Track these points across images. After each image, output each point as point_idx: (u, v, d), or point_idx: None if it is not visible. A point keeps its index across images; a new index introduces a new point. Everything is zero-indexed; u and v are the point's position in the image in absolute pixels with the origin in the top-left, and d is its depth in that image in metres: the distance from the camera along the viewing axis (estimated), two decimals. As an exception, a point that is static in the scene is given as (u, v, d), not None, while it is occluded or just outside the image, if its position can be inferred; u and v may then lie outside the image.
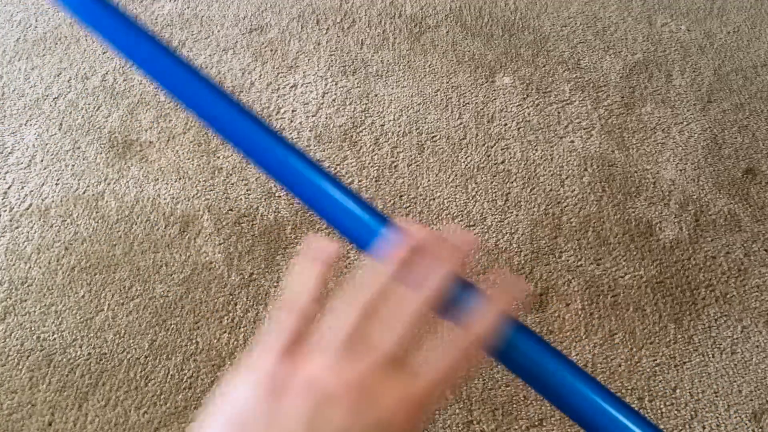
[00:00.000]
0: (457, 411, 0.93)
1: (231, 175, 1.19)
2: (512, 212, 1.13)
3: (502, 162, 1.20)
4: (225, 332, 1.00)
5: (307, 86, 1.32)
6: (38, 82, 1.34)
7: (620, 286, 1.04)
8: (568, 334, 1.00)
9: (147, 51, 0.35)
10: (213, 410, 0.23)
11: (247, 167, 1.20)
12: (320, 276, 0.27)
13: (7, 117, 1.29)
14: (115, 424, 0.93)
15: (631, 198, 1.15)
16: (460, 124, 1.26)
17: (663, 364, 0.97)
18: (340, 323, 0.25)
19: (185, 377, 0.96)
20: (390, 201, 1.15)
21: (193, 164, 1.20)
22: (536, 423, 0.92)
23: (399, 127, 1.25)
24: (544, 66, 1.35)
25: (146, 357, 0.98)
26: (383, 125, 1.26)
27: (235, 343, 0.99)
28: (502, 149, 1.22)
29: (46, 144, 1.24)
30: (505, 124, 1.25)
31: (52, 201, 1.16)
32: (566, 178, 1.18)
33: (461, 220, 1.12)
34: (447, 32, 1.42)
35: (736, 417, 0.92)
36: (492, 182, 1.17)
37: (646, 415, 0.92)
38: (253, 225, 1.12)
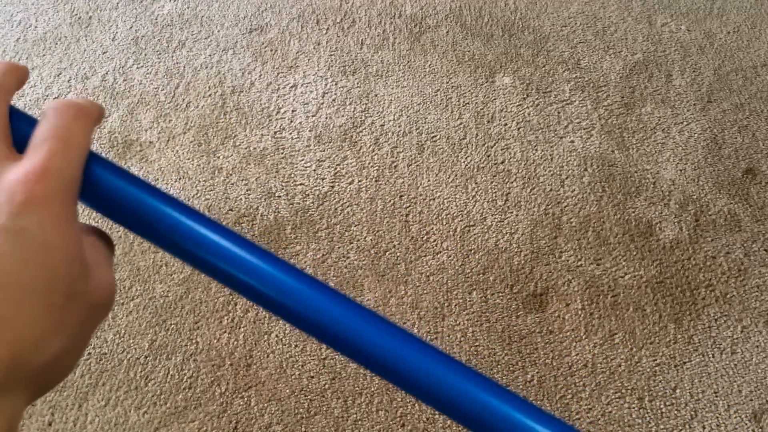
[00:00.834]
0: (457, 411, 0.93)
1: (231, 175, 1.19)
2: (512, 212, 1.13)
3: (502, 162, 1.20)
4: (225, 332, 1.00)
5: (307, 86, 1.32)
6: (38, 82, 1.34)
7: (620, 286, 1.04)
8: (568, 334, 1.00)
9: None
10: None
11: (247, 167, 1.20)
12: None
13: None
14: (115, 424, 0.93)
15: (631, 198, 1.15)
16: (460, 124, 1.26)
17: (663, 364, 0.97)
18: None
19: (185, 377, 0.96)
20: (390, 201, 1.15)
21: (193, 164, 1.20)
22: (536, 423, 0.92)
23: (399, 127, 1.25)
24: (544, 66, 1.35)
25: (146, 357, 0.98)
26: (383, 125, 1.26)
27: (235, 343, 0.99)
28: (502, 149, 1.22)
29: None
30: (505, 124, 1.25)
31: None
32: (566, 178, 1.18)
33: (461, 220, 1.12)
34: (447, 32, 1.42)
35: (736, 417, 0.92)
36: (492, 182, 1.17)
37: (646, 416, 0.92)
38: (253, 225, 1.12)
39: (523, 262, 1.07)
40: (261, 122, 1.26)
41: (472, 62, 1.36)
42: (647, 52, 1.38)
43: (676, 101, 1.29)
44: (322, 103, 1.29)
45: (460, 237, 1.10)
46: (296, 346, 0.99)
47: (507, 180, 1.17)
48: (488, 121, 1.26)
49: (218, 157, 1.21)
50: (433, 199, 1.15)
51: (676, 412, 0.93)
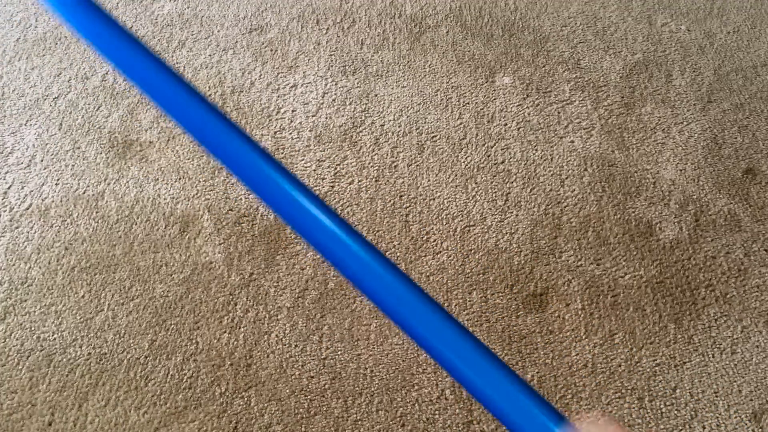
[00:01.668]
0: (457, 411, 0.93)
1: (231, 175, 1.19)
2: (512, 212, 1.13)
3: (502, 162, 1.20)
4: (225, 332, 1.00)
5: (307, 86, 1.32)
6: (38, 82, 1.34)
7: (620, 286, 1.04)
8: (568, 334, 1.00)
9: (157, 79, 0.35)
10: None
11: (247, 167, 1.20)
12: None
13: (7, 117, 1.29)
14: (115, 424, 0.93)
15: (631, 198, 1.15)
16: (460, 124, 1.26)
17: (663, 364, 0.97)
18: None
19: (185, 377, 0.96)
20: (390, 201, 1.15)
21: (193, 164, 1.20)
22: (536, 423, 0.92)
23: (399, 127, 1.25)
24: (544, 66, 1.35)
25: (146, 357, 0.98)
26: (383, 125, 1.26)
27: (235, 343, 0.99)
28: (502, 149, 1.22)
29: (46, 144, 1.24)
30: (505, 124, 1.25)
31: (52, 201, 1.16)
32: (566, 178, 1.18)
33: (461, 220, 1.12)
34: (447, 32, 1.42)
35: (736, 417, 0.92)
36: (492, 182, 1.17)
37: (646, 416, 0.92)
38: (253, 225, 1.12)
39: (523, 262, 1.07)
40: (261, 122, 1.26)
41: (472, 62, 1.36)
42: (647, 52, 1.38)
43: (676, 101, 1.29)
44: (322, 103, 1.29)
45: (460, 237, 1.10)
46: (296, 346, 0.99)
47: (507, 180, 1.17)
48: (488, 121, 1.26)
49: (218, 157, 1.21)
50: (433, 199, 1.15)
51: (676, 412, 0.93)
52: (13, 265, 1.08)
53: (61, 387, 0.96)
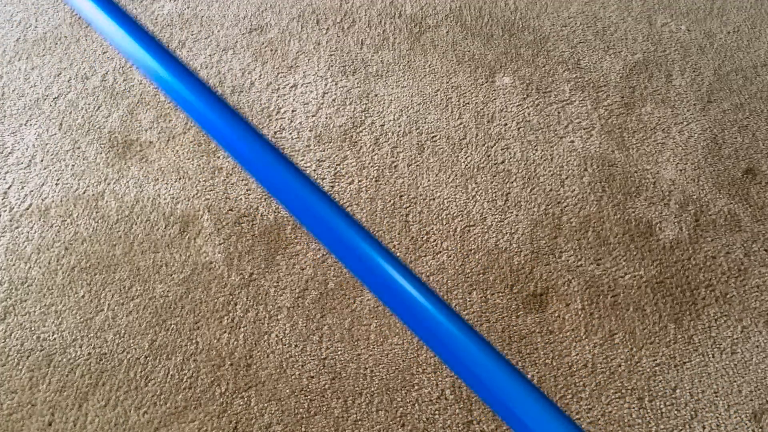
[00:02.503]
0: (457, 411, 0.93)
1: (231, 175, 1.19)
2: (512, 212, 1.13)
3: (502, 162, 1.20)
4: (225, 332, 1.00)
5: (307, 86, 1.32)
6: (38, 82, 1.34)
7: (620, 286, 1.04)
8: (568, 334, 1.00)
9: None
10: None
11: (247, 167, 1.20)
12: None
13: (7, 117, 1.29)
14: (115, 424, 0.93)
15: (631, 198, 1.15)
16: (460, 124, 1.26)
17: (663, 364, 0.97)
18: None
19: (185, 377, 0.96)
20: (390, 201, 1.15)
21: (193, 164, 1.21)
22: (536, 423, 0.92)
23: (399, 127, 1.25)
24: (544, 66, 1.35)
25: (146, 357, 0.98)
26: (383, 125, 1.26)
27: (235, 343, 0.99)
28: (502, 149, 1.22)
29: (46, 144, 1.24)
30: (505, 124, 1.25)
31: (52, 201, 1.16)
32: (566, 178, 1.18)
33: (461, 220, 1.12)
34: (447, 32, 1.42)
35: (736, 417, 0.92)
36: (492, 182, 1.17)
37: (646, 416, 0.92)
38: (253, 225, 1.12)
39: (523, 262, 1.07)
40: (261, 122, 1.26)
41: (472, 62, 1.36)
42: (647, 52, 1.38)
43: (676, 101, 1.29)
44: (322, 103, 1.29)
45: (460, 237, 1.10)
46: (296, 346, 0.99)
47: (507, 180, 1.17)
48: (488, 121, 1.26)
49: (218, 157, 1.21)
50: (433, 199, 1.15)
51: (676, 412, 0.93)
52: (13, 265, 1.08)
53: (61, 387, 0.96)
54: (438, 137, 1.24)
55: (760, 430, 0.91)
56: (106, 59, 1.38)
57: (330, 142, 1.23)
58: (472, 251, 1.08)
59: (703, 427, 0.91)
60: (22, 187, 1.18)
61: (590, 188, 1.16)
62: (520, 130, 1.25)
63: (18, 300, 1.04)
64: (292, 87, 1.32)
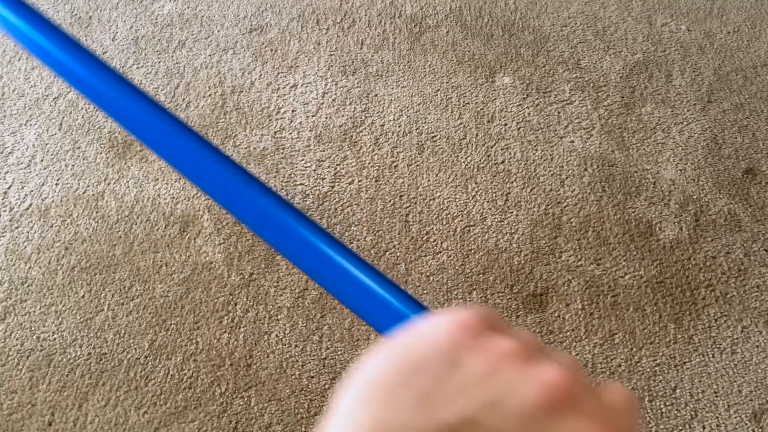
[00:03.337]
0: (457, 411, 0.93)
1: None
2: (512, 212, 1.13)
3: (502, 162, 1.20)
4: (225, 332, 1.00)
5: (307, 86, 1.32)
6: (38, 82, 1.34)
7: (620, 286, 1.04)
8: (568, 334, 1.00)
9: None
10: (384, 354, 0.21)
11: (247, 167, 1.20)
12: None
13: (7, 117, 1.29)
14: (115, 424, 0.93)
15: (631, 198, 1.15)
16: (460, 124, 1.26)
17: (663, 364, 0.97)
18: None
19: (185, 377, 0.96)
20: (390, 201, 1.15)
21: (193, 164, 1.20)
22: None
23: (399, 127, 1.25)
24: (544, 66, 1.35)
25: (146, 357, 0.98)
26: (383, 125, 1.26)
27: (235, 343, 0.99)
28: (502, 149, 1.22)
29: (46, 144, 1.24)
30: (505, 124, 1.25)
31: (52, 201, 1.16)
32: (566, 178, 1.18)
33: (461, 220, 1.12)
34: (447, 32, 1.42)
35: (736, 417, 0.92)
36: (492, 182, 1.17)
37: (646, 416, 0.92)
38: (253, 225, 1.12)
39: (523, 262, 1.07)
40: (261, 122, 1.26)
41: (472, 62, 1.36)
42: (647, 52, 1.38)
43: (676, 101, 1.29)
44: (322, 103, 1.29)
45: (460, 237, 1.10)
46: (296, 346, 0.99)
47: (507, 180, 1.17)
48: (488, 121, 1.26)
49: (218, 157, 1.21)
50: (433, 199, 1.15)
51: (676, 412, 0.93)
52: (13, 265, 1.08)
53: (61, 387, 0.96)
54: (438, 137, 1.24)
55: (760, 430, 0.91)
56: (106, 59, 1.38)
57: (330, 142, 1.23)
58: (472, 251, 1.08)
59: (703, 427, 0.91)
60: (22, 187, 1.18)
61: (590, 188, 1.16)
62: (520, 130, 1.25)
63: (18, 300, 1.04)
64: (292, 87, 1.32)
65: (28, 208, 1.15)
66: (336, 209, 1.14)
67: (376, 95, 1.31)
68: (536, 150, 1.22)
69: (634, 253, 1.08)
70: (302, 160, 1.21)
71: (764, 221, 1.12)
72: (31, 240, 1.11)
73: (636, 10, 1.47)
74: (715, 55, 1.38)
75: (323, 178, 1.18)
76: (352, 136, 1.24)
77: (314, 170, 1.19)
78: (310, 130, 1.25)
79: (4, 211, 1.15)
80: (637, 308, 1.02)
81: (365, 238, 1.10)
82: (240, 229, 1.12)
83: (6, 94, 1.33)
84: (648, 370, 0.96)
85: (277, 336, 1.00)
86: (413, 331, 0.22)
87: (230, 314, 1.02)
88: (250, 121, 1.27)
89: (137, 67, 1.36)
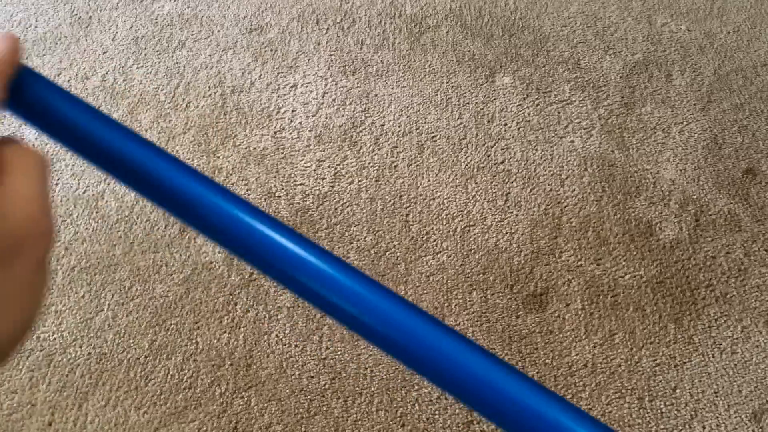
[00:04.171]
0: (457, 411, 0.93)
1: (231, 175, 1.19)
2: (512, 212, 1.13)
3: (502, 162, 1.20)
4: (225, 332, 1.00)
5: (307, 86, 1.32)
6: (38, 82, 1.34)
7: (620, 286, 1.04)
8: (568, 334, 1.00)
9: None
10: None
11: (247, 167, 1.20)
12: None
13: (7, 117, 1.29)
14: (115, 424, 0.93)
15: (631, 198, 1.15)
16: (460, 124, 1.26)
17: (663, 364, 0.97)
18: None
19: (185, 377, 0.96)
20: (390, 201, 1.15)
21: (193, 164, 1.20)
22: (536, 423, 0.92)
23: (399, 127, 1.25)
24: (544, 66, 1.35)
25: (146, 357, 0.98)
26: (383, 125, 1.26)
27: (235, 343, 0.99)
28: (502, 149, 1.22)
29: (46, 144, 1.24)
30: (505, 124, 1.25)
31: (52, 201, 1.16)
32: (566, 178, 1.18)
33: (461, 220, 1.12)
34: (447, 32, 1.42)
35: (736, 417, 0.92)
36: (492, 182, 1.17)
37: (646, 416, 0.92)
38: (253, 225, 1.12)
39: (523, 262, 1.07)
40: (261, 122, 1.26)
41: (472, 62, 1.36)
42: (647, 52, 1.38)
43: (676, 101, 1.29)
44: (322, 103, 1.29)
45: (460, 237, 1.10)
46: (296, 346, 0.99)
47: (507, 180, 1.17)
48: (488, 121, 1.26)
49: (218, 157, 1.21)
50: (433, 199, 1.15)
51: (676, 412, 0.93)
52: (13, 265, 1.08)
53: (61, 387, 0.96)
54: (438, 137, 1.24)
55: (760, 430, 0.91)
56: (106, 59, 1.38)
57: (330, 142, 1.23)
58: (472, 251, 1.08)
59: (703, 427, 0.91)
60: (22, 187, 1.18)
61: (590, 188, 1.16)
62: (520, 130, 1.25)
63: (18, 300, 1.04)
64: (292, 87, 1.32)
65: (28, 208, 1.15)
66: (336, 209, 1.14)
67: (376, 95, 1.31)
68: (536, 150, 1.22)
69: (634, 253, 1.08)
70: (302, 160, 1.21)
71: (764, 221, 1.12)
72: (31, 240, 1.11)
73: (636, 10, 1.47)
74: (715, 55, 1.38)
75: (323, 178, 1.18)
76: (352, 136, 1.24)
77: (314, 170, 1.19)
78: (310, 130, 1.25)
79: (4, 211, 1.15)
80: (637, 308, 1.02)
81: (365, 238, 1.10)
82: (240, 229, 1.12)
83: (6, 94, 1.32)
84: (648, 370, 0.96)
85: (277, 336, 1.00)
86: None
87: (230, 314, 1.02)
88: (250, 121, 1.27)
89: (137, 67, 1.36)
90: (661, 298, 1.03)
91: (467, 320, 1.01)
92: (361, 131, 1.25)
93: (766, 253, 1.08)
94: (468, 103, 1.29)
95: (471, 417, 0.92)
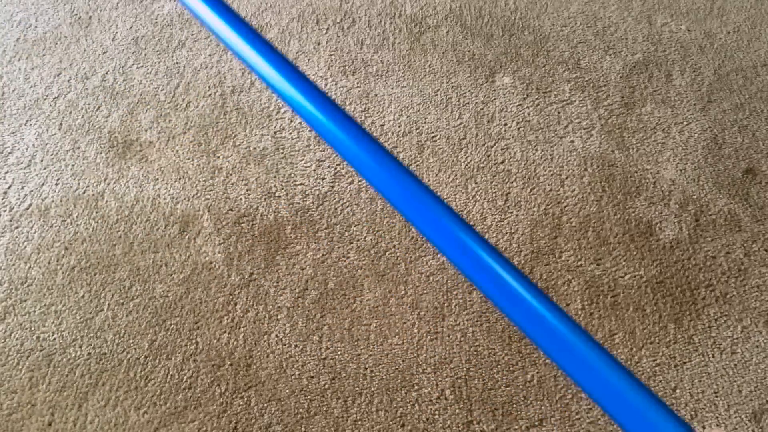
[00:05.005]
0: (457, 411, 0.93)
1: (231, 175, 1.19)
2: (512, 212, 1.13)
3: (502, 162, 1.20)
4: (225, 332, 1.00)
5: (307, 86, 1.32)
6: (38, 82, 1.34)
7: (620, 286, 1.05)
8: (568, 334, 0.99)
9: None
10: None
11: (247, 167, 1.20)
12: None
13: (7, 117, 1.29)
14: (115, 424, 0.93)
15: (631, 198, 1.15)
16: (460, 124, 1.26)
17: (663, 364, 0.97)
18: None
19: (185, 377, 0.96)
20: (390, 201, 1.14)
21: (193, 164, 1.20)
22: (536, 423, 0.92)
23: (399, 127, 1.25)
24: (544, 66, 1.35)
25: (146, 357, 0.98)
26: (383, 125, 1.26)
27: (235, 343, 0.99)
28: (502, 149, 1.22)
29: (46, 144, 1.24)
30: (505, 124, 1.25)
31: (52, 201, 1.16)
32: (566, 178, 1.18)
33: (461, 220, 1.12)
34: (447, 32, 1.42)
35: (736, 417, 0.92)
36: (492, 182, 1.17)
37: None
38: (253, 225, 1.12)
39: (523, 262, 1.07)
40: (261, 122, 1.26)
41: (472, 62, 1.36)
42: (647, 52, 1.38)
43: (676, 101, 1.29)
44: (322, 103, 1.29)
45: (460, 237, 1.10)
46: (296, 346, 0.99)
47: (507, 180, 1.17)
48: (488, 121, 1.26)
49: (218, 157, 1.21)
50: (433, 199, 1.15)
51: (676, 412, 0.93)
52: (13, 265, 1.08)
53: (61, 387, 0.96)
54: (438, 137, 1.24)
55: (760, 430, 0.91)
56: (106, 59, 1.38)
57: (330, 142, 1.23)
58: None
59: (703, 427, 0.91)
60: (22, 187, 1.18)
61: (590, 188, 1.16)
62: (520, 130, 1.25)
63: (18, 300, 1.04)
64: (292, 87, 1.32)
65: (28, 208, 1.15)
66: (336, 209, 1.14)
67: (376, 95, 1.31)
68: (536, 150, 1.22)
69: (634, 253, 1.08)
70: (302, 160, 1.21)
71: (764, 221, 1.12)
72: (31, 240, 1.11)
73: (636, 10, 1.47)
74: (715, 55, 1.38)
75: (323, 178, 1.18)
76: (352, 136, 1.24)
77: (314, 170, 1.19)
78: (310, 130, 1.25)
79: (4, 211, 1.15)
80: (637, 308, 1.02)
81: (365, 238, 1.10)
82: (240, 229, 1.12)
83: (6, 94, 1.33)
84: (648, 370, 0.96)
85: (277, 336, 1.00)
86: None
87: (230, 314, 1.02)
88: (250, 121, 1.27)
89: (137, 67, 1.36)
90: (661, 298, 1.03)
91: (467, 320, 1.01)
92: (361, 131, 1.25)
93: (766, 253, 1.08)
94: (468, 103, 1.29)
95: (471, 417, 0.92)
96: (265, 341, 0.99)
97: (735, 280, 1.05)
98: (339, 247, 1.09)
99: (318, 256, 1.08)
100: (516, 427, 0.92)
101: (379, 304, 1.02)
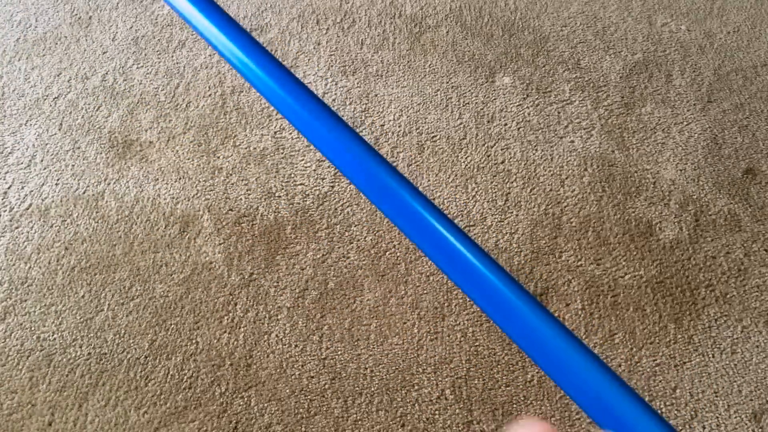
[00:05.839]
0: (457, 411, 0.93)
1: (231, 175, 1.19)
2: (512, 212, 1.13)
3: (502, 162, 1.20)
4: (225, 332, 1.00)
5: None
6: (38, 82, 1.34)
7: (620, 286, 1.05)
8: (568, 334, 0.99)
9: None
10: None
11: (247, 167, 1.20)
12: None
13: (7, 117, 1.29)
14: (115, 424, 0.93)
15: (631, 198, 1.15)
16: (460, 124, 1.26)
17: (663, 364, 0.97)
18: None
19: (185, 377, 0.96)
20: (390, 201, 1.14)
21: (193, 164, 1.21)
22: (536, 423, 0.92)
23: (399, 127, 1.25)
24: (544, 66, 1.35)
25: (146, 357, 0.98)
26: (383, 125, 1.26)
27: (235, 343, 0.99)
28: (502, 149, 1.22)
29: (46, 144, 1.24)
30: (505, 124, 1.25)
31: (52, 201, 1.16)
32: (566, 178, 1.18)
33: (461, 220, 1.12)
34: (447, 32, 1.42)
35: (736, 417, 0.92)
36: (492, 182, 1.17)
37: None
38: (253, 225, 1.12)
39: (523, 262, 1.07)
40: (261, 122, 1.26)
41: (472, 62, 1.36)
42: (647, 52, 1.38)
43: (676, 101, 1.29)
44: (322, 103, 1.29)
45: (460, 237, 1.10)
46: (296, 346, 0.99)
47: (507, 180, 1.17)
48: (488, 121, 1.26)
49: (218, 157, 1.21)
50: (433, 199, 1.15)
51: (676, 412, 0.93)
52: (13, 265, 1.08)
53: (61, 387, 0.96)
54: (438, 137, 1.24)
55: (760, 430, 0.91)
56: (106, 59, 1.38)
57: (330, 142, 1.23)
58: None
59: (703, 427, 0.91)
60: (22, 187, 1.18)
61: (590, 188, 1.16)
62: (520, 130, 1.25)
63: (18, 300, 1.04)
64: (292, 87, 1.32)
65: (28, 208, 1.15)
66: (336, 209, 1.14)
67: (376, 95, 1.31)
68: (536, 150, 1.22)
69: (634, 253, 1.08)
70: (302, 160, 1.21)
71: (764, 221, 1.12)
72: (31, 240, 1.11)
73: (636, 10, 1.47)
74: (715, 55, 1.38)
75: (323, 178, 1.18)
76: (352, 136, 1.24)
77: (314, 170, 1.19)
78: (310, 130, 1.25)
79: (4, 211, 1.15)
80: (637, 308, 1.02)
81: (365, 238, 1.10)
82: (240, 229, 1.12)
83: (6, 94, 1.33)
84: (648, 370, 0.96)
85: (277, 336, 1.00)
86: None
87: (230, 314, 1.02)
88: (250, 121, 1.27)
89: (137, 67, 1.36)
90: (661, 298, 1.03)
91: (467, 320, 1.01)
92: (361, 131, 1.25)
93: (766, 253, 1.08)
94: (468, 103, 1.29)
95: (471, 417, 0.92)
96: (265, 341, 0.99)
97: (735, 280, 1.05)
98: (339, 247, 1.09)
99: (318, 256, 1.08)
100: (516, 427, 0.92)
101: (379, 304, 1.02)
